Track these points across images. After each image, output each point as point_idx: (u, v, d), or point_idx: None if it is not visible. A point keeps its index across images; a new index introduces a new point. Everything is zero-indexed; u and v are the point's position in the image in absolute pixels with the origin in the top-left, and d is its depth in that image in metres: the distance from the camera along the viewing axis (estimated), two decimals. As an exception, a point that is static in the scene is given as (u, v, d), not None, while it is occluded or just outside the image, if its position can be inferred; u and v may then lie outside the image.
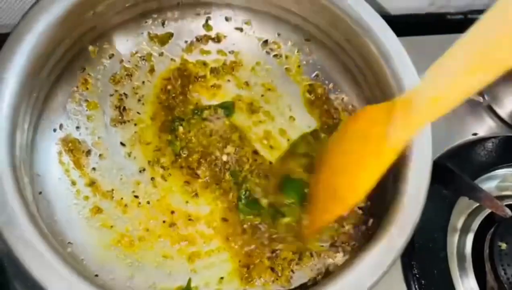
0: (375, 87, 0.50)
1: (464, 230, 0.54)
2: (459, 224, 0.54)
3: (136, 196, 0.47)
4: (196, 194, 0.48)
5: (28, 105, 0.43)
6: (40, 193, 0.44)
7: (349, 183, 0.38)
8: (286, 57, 0.56)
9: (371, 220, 0.48)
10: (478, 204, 0.54)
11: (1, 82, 0.40)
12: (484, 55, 0.28)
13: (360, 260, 0.39)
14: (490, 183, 0.56)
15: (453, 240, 0.53)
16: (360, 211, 0.49)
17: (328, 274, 0.46)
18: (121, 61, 0.52)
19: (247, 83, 0.54)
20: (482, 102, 0.59)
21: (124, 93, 0.51)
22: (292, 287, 0.46)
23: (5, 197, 0.36)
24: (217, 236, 0.47)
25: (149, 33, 0.53)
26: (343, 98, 0.54)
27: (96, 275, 0.43)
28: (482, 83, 0.28)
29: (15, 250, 0.34)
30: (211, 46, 0.55)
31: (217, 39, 0.56)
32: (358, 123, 0.39)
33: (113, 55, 0.52)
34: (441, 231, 0.51)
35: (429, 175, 0.44)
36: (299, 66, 0.56)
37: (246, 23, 0.56)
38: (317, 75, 0.55)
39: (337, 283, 0.39)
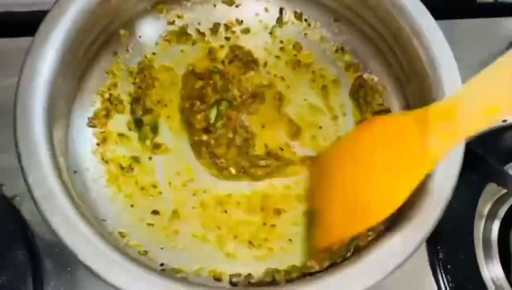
0: (408, 69, 0.49)
1: (491, 216, 0.53)
2: (486, 210, 0.54)
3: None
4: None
5: (64, 86, 0.44)
6: (75, 172, 0.46)
7: (381, 195, 0.36)
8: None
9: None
10: (505, 191, 0.53)
11: (39, 59, 0.41)
12: None
13: (383, 244, 0.40)
14: (519, 170, 0.55)
15: (479, 226, 0.53)
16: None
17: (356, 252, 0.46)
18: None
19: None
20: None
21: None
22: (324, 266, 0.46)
23: (43, 172, 0.38)
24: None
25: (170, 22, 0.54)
26: (373, 79, 0.53)
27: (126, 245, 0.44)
28: None
29: (51, 222, 0.36)
30: (237, 30, 0.55)
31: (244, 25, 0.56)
32: (383, 131, 0.37)
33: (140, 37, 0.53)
34: (468, 217, 0.51)
35: (460, 160, 0.42)
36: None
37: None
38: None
39: (359, 264, 0.39)
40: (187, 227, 0.47)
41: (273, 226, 0.47)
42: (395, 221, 0.41)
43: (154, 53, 0.53)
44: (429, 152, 0.32)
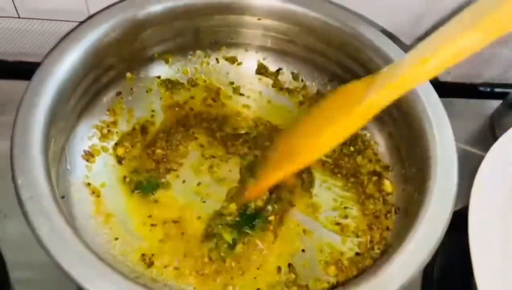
0: (402, 124, 0.50)
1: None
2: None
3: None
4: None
5: (63, 115, 0.45)
6: (63, 197, 0.45)
7: (310, 141, 0.38)
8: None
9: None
10: None
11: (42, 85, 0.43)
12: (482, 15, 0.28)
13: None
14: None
15: None
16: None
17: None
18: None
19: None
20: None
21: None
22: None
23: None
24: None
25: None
26: (365, 134, 0.54)
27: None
28: (477, 44, 0.28)
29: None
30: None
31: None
32: (336, 94, 0.38)
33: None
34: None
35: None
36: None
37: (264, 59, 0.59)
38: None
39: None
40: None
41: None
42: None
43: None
44: (363, 104, 0.34)
